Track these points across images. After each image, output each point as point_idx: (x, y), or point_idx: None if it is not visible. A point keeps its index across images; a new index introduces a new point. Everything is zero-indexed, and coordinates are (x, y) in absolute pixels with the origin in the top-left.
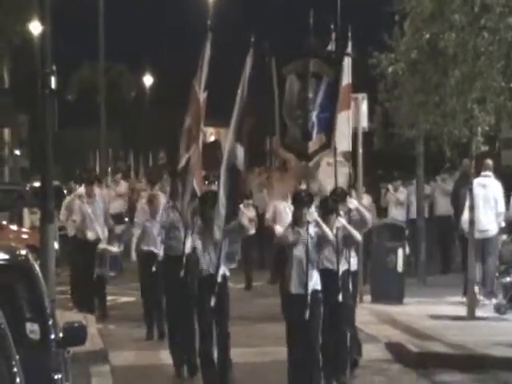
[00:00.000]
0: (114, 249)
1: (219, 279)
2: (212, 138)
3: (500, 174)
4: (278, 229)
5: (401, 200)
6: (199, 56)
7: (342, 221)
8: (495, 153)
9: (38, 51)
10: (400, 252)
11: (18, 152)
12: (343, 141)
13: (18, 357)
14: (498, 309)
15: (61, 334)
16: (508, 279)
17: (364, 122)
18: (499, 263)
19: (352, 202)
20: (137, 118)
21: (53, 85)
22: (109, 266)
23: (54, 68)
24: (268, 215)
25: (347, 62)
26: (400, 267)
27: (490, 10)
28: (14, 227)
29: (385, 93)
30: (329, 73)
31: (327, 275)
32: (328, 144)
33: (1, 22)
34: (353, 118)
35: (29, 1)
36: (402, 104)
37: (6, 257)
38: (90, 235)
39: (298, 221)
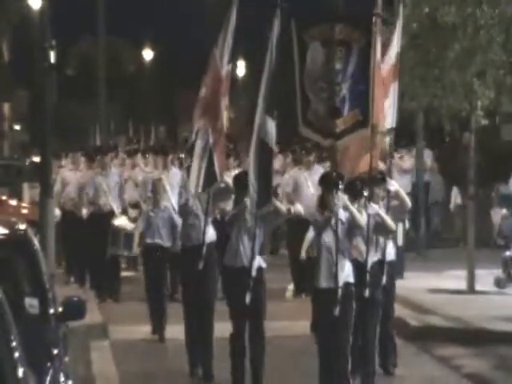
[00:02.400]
0: (130, 225)
1: (254, 273)
2: None
3: (498, 149)
4: (298, 207)
5: (404, 168)
6: (222, 24)
7: (375, 207)
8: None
9: (37, 25)
10: (400, 226)
11: (17, 127)
12: (387, 117)
13: (16, 331)
14: (498, 283)
15: (60, 309)
16: (507, 253)
17: None
18: (498, 237)
19: (392, 185)
20: (137, 92)
21: (52, 59)
22: (123, 245)
23: (54, 42)
24: (287, 188)
25: (398, 29)
26: (400, 241)
27: None
28: (13, 202)
29: None
30: (359, 39)
31: (354, 267)
32: (364, 122)
33: None
34: None
35: None
36: (401, 77)
37: (6, 231)
38: (104, 206)
39: (326, 205)
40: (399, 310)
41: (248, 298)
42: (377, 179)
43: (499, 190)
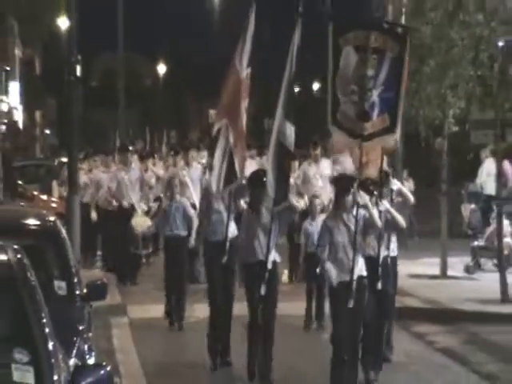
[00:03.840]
0: (147, 223)
1: (269, 266)
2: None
3: (468, 152)
4: (307, 200)
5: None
6: (241, 29)
7: (385, 204)
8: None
9: (65, 43)
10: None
11: (48, 131)
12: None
13: (47, 310)
14: (467, 269)
15: (84, 290)
16: (475, 243)
17: None
18: (468, 229)
19: (395, 184)
20: (152, 101)
21: (78, 72)
22: (141, 245)
23: (79, 57)
24: (298, 180)
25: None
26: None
27: (464, 7)
28: (43, 197)
29: None
30: (393, 48)
31: (367, 262)
32: (392, 127)
33: (33, 16)
34: None
35: None
36: None
37: (37, 222)
38: (125, 203)
39: (341, 206)
40: None
41: (263, 290)
42: (384, 179)
43: (468, 187)
